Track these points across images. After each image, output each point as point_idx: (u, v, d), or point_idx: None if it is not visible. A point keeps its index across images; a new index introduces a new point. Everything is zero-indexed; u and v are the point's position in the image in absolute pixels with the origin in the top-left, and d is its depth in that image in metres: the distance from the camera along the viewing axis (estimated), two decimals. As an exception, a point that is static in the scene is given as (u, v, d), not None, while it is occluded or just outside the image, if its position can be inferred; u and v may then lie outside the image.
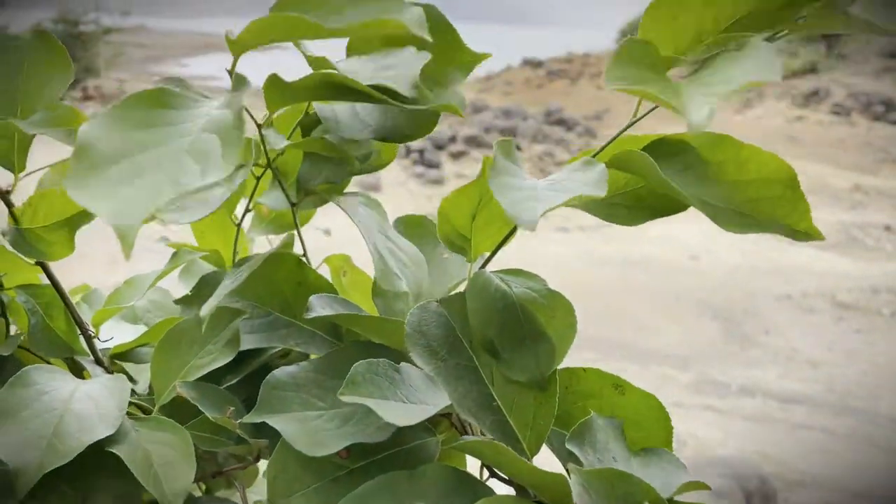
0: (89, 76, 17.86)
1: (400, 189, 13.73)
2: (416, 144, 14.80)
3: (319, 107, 0.48)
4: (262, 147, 0.46)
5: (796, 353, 6.05)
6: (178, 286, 0.63)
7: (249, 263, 0.45)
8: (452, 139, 15.50)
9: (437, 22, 0.42)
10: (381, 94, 0.38)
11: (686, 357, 6.70)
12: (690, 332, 7.74)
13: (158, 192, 0.26)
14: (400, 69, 0.39)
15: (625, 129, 0.44)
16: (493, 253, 0.49)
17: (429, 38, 0.31)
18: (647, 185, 0.44)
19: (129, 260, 0.27)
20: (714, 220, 0.40)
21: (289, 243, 0.51)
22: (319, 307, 0.45)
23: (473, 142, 15.72)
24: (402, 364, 0.41)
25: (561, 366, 0.43)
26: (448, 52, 0.43)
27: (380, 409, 0.37)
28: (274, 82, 0.42)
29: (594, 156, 0.43)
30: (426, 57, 0.39)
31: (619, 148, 0.43)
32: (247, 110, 0.35)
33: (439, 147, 15.25)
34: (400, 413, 0.38)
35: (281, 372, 0.42)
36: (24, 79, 0.48)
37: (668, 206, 0.44)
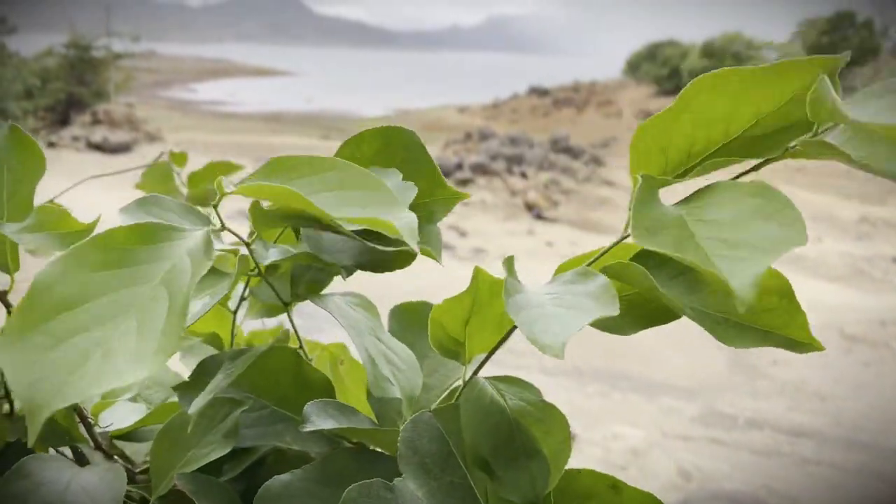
0: (99, 101, 18.16)
1: (405, 215, 13.85)
2: (422, 171, 14.93)
3: (304, 229, 0.49)
4: (251, 259, 0.47)
5: (804, 385, 5.98)
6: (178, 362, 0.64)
7: (245, 357, 0.45)
8: (459, 166, 15.59)
9: (415, 152, 0.44)
10: (357, 238, 0.39)
11: (692, 389, 6.62)
12: (696, 363, 7.67)
13: (76, 378, 0.25)
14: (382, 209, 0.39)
15: (617, 243, 0.44)
16: (488, 356, 0.48)
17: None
18: (640, 293, 0.44)
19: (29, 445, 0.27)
20: (712, 333, 0.40)
21: (285, 336, 0.51)
22: (316, 418, 0.45)
23: (480, 169, 15.81)
24: (396, 483, 0.40)
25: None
26: (428, 187, 0.44)
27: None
28: (257, 210, 0.43)
29: (589, 264, 0.43)
30: (411, 195, 0.41)
31: (611, 257, 0.44)
32: (232, 232, 0.35)
33: (445, 174, 15.29)
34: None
35: (276, 482, 0.42)
36: (4, 177, 0.49)
37: (661, 314, 0.44)
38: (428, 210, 0.46)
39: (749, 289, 0.30)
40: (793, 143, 0.38)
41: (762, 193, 0.35)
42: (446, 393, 0.52)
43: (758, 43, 39.60)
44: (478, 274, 0.43)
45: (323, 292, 0.53)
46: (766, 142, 0.39)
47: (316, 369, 0.50)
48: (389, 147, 0.46)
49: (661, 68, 42.55)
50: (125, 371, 0.26)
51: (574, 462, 0.43)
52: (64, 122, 16.51)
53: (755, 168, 0.39)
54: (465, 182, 15.16)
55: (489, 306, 0.46)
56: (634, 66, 48.98)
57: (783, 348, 0.40)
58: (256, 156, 19.17)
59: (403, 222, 0.33)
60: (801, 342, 0.40)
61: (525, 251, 12.57)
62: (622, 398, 5.89)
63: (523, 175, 16.34)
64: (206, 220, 0.42)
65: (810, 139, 0.37)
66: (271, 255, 0.47)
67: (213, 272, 0.44)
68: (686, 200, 0.37)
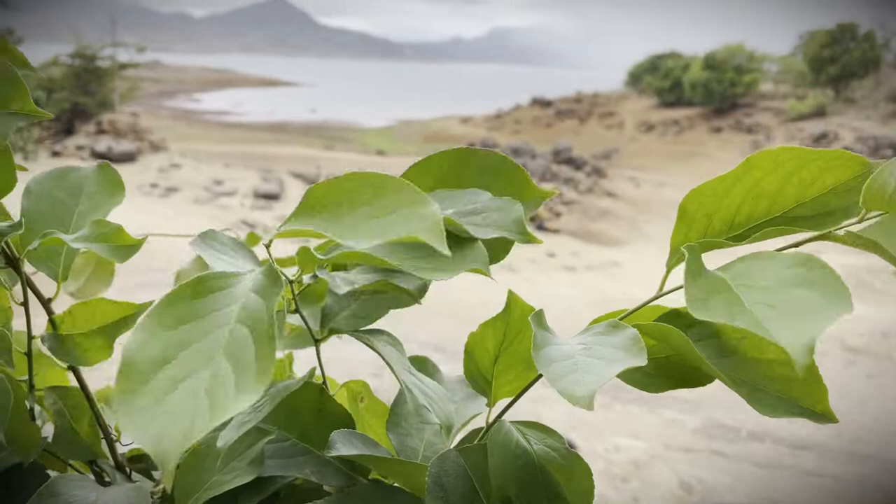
0: (104, 110, 18.26)
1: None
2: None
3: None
4: (290, 292, 0.49)
5: (806, 397, 5.96)
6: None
7: (272, 392, 0.46)
8: (461, 176, 15.66)
9: (506, 166, 0.46)
10: (405, 272, 0.41)
11: (694, 401, 6.59)
12: (698, 375, 7.62)
13: (192, 420, 0.28)
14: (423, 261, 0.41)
15: (653, 299, 0.45)
16: (514, 400, 0.50)
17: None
18: (672, 357, 0.44)
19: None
20: (750, 402, 0.40)
21: (312, 373, 0.52)
22: (341, 445, 0.46)
23: (481, 179, 15.92)
24: None
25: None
26: (518, 191, 0.46)
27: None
28: (305, 254, 0.45)
29: (621, 318, 0.44)
30: (517, 211, 0.42)
31: (641, 317, 0.44)
32: (281, 273, 0.37)
33: (447, 184, 15.44)
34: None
35: None
36: (83, 201, 0.54)
37: (690, 377, 0.45)
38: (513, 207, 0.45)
39: (805, 352, 0.31)
40: (839, 228, 0.40)
41: (805, 263, 0.36)
42: (466, 430, 0.53)
43: (759, 55, 39.69)
44: (511, 300, 0.44)
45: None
46: (804, 223, 0.41)
47: (338, 404, 0.50)
48: (463, 167, 0.47)
49: (663, 80, 42.65)
50: (234, 402, 0.28)
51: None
52: (69, 131, 16.59)
53: (797, 244, 0.40)
54: (467, 192, 15.16)
55: (521, 336, 0.47)
56: (636, 78, 49.14)
57: (802, 417, 0.41)
58: (260, 165, 19.22)
59: (427, 224, 0.32)
60: (819, 413, 0.41)
61: (527, 261, 12.57)
62: (623, 410, 5.87)
63: (525, 186, 16.27)
64: (253, 257, 0.45)
65: (856, 229, 0.39)
66: (345, 284, 0.47)
67: None
68: (727, 266, 0.38)
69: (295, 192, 13.30)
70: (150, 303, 0.51)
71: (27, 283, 0.50)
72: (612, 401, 5.99)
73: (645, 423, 5.46)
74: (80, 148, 14.08)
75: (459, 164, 0.46)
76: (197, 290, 0.33)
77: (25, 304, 0.50)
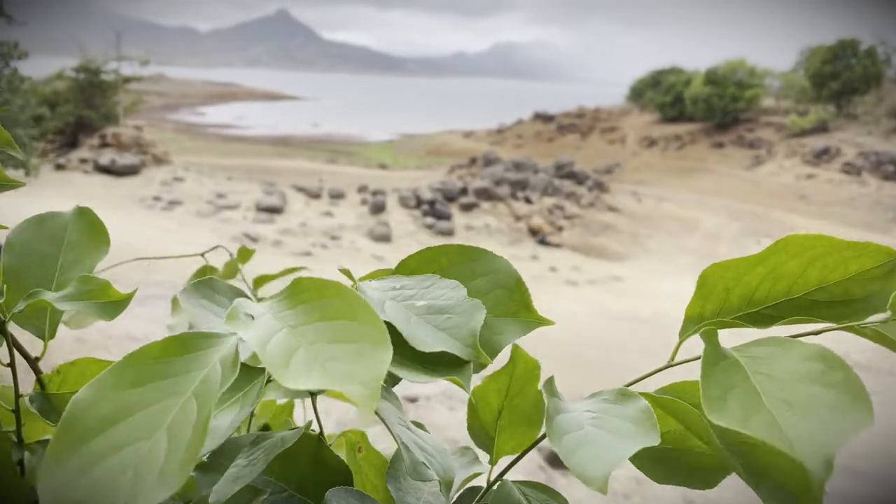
0: (108, 123, 18.33)
1: (410, 240, 13.82)
2: (427, 195, 14.95)
3: None
4: None
5: (810, 414, 5.93)
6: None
7: (269, 444, 0.44)
8: (463, 191, 15.64)
9: (510, 280, 0.44)
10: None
11: (697, 415, 6.54)
12: (701, 390, 7.58)
13: (118, 497, 0.26)
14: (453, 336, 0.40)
15: (663, 368, 0.45)
16: (517, 460, 0.49)
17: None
18: (678, 448, 0.43)
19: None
20: (760, 494, 0.39)
21: (308, 425, 0.52)
22: (336, 503, 0.45)
23: (484, 194, 15.86)
24: None
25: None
26: (514, 310, 0.44)
27: None
28: None
29: (629, 385, 0.43)
30: (480, 318, 0.41)
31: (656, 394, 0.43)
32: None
33: (450, 199, 15.38)
34: None
35: None
36: (64, 251, 0.52)
37: (699, 476, 0.43)
38: (500, 328, 0.44)
39: (824, 467, 0.30)
40: (865, 325, 0.39)
41: (822, 358, 0.35)
42: (464, 487, 0.52)
43: (761, 71, 39.86)
44: (516, 354, 0.43)
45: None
46: (823, 308, 0.40)
47: (336, 455, 0.49)
48: (471, 263, 0.45)
49: (665, 95, 42.82)
50: (153, 491, 0.26)
51: (575, 492, 0.44)
52: (73, 144, 16.66)
53: (814, 333, 0.40)
54: (469, 206, 15.19)
55: (524, 392, 0.47)
56: (638, 93, 49.36)
57: None
58: (263, 179, 19.27)
59: (361, 392, 0.28)
60: None
61: (529, 276, 12.52)
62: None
63: (527, 200, 16.37)
64: (249, 310, 0.44)
65: (882, 326, 0.39)
66: None
67: (246, 369, 0.42)
68: (745, 348, 0.38)
69: (297, 206, 13.32)
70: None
71: (13, 345, 0.49)
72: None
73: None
74: (83, 161, 14.13)
75: (464, 262, 0.45)
76: (167, 349, 0.32)
77: (12, 364, 0.49)
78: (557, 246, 13.78)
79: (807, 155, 32.82)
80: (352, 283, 0.43)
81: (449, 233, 13.40)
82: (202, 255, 0.75)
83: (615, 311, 10.20)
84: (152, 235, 10.80)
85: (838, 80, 34.67)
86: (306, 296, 0.33)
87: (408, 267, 0.45)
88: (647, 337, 8.84)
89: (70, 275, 0.51)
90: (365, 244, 11.82)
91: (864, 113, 36.78)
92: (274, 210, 12.61)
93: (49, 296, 0.46)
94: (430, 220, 13.70)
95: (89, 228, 0.54)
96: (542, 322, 0.44)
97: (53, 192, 12.93)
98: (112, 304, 0.47)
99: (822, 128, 34.44)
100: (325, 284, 0.32)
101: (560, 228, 14.75)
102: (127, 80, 18.85)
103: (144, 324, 6.60)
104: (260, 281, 0.76)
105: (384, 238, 12.24)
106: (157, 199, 12.75)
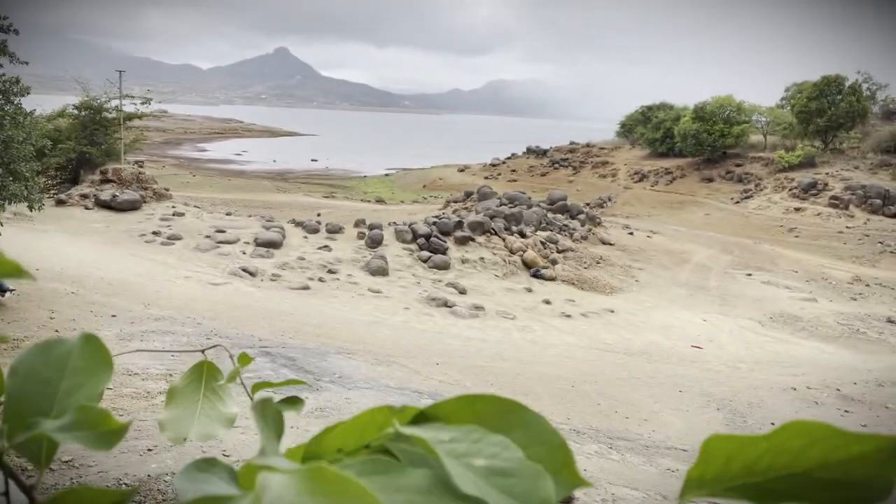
0: (109, 160, 18.53)
1: (406, 273, 13.94)
2: (422, 229, 15.12)
3: None
4: None
5: (799, 445, 5.97)
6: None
7: None
8: (459, 225, 15.82)
9: (553, 439, 0.44)
10: None
11: (691, 450, 6.58)
12: (695, 425, 7.65)
13: None
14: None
15: None
16: None
17: None
18: None
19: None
20: None
21: None
22: None
23: (479, 228, 16.06)
24: None
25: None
26: (555, 468, 0.43)
27: None
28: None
29: None
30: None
31: None
32: None
33: (445, 233, 15.56)
34: None
35: None
36: (67, 376, 0.52)
37: None
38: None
39: None
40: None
41: None
42: None
43: (748, 107, 40.52)
44: None
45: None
46: (822, 487, 0.41)
47: None
48: (507, 415, 0.45)
49: (655, 131, 43.43)
50: None
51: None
52: (74, 180, 16.83)
53: None
54: (464, 240, 15.35)
55: None
56: (628, 129, 50.03)
57: None
58: (262, 213, 19.42)
59: None
60: None
61: (524, 309, 12.64)
62: (621, 459, 5.88)
63: (522, 234, 16.56)
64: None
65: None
66: None
67: None
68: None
69: (295, 240, 13.48)
70: (137, 488, 0.53)
71: (10, 475, 0.48)
72: (608, 450, 6.02)
73: (642, 472, 5.48)
74: (84, 196, 14.29)
75: (499, 412, 0.44)
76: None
77: (6, 493, 0.49)
78: (551, 279, 13.92)
79: (795, 189, 33.19)
80: (392, 428, 0.43)
81: (444, 266, 13.54)
82: (202, 350, 0.76)
83: (609, 343, 10.29)
84: (150, 270, 10.90)
85: (824, 116, 35.25)
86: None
87: (443, 411, 0.45)
88: (639, 370, 8.91)
89: (71, 400, 0.51)
90: (362, 277, 11.93)
91: (851, 148, 37.32)
92: (272, 245, 12.75)
93: (47, 426, 0.46)
94: (425, 253, 13.85)
95: (94, 355, 0.53)
96: (583, 484, 0.43)
97: (54, 227, 13.06)
98: (109, 434, 0.46)
99: (809, 163, 34.88)
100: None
101: (554, 262, 14.91)
102: (129, 117, 19.13)
103: (142, 359, 6.68)
104: (258, 387, 0.71)
105: (381, 271, 12.37)
106: (156, 233, 12.88)
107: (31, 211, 8.83)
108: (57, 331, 7.05)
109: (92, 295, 8.34)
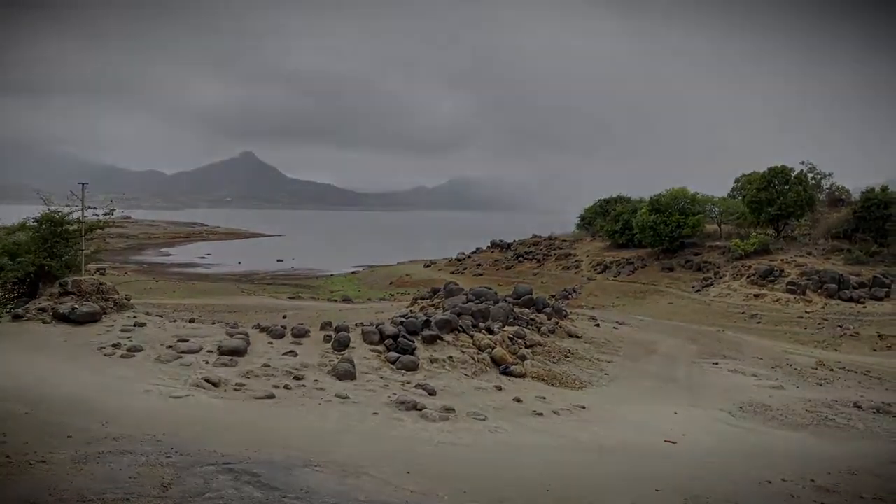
0: (70, 272, 18.18)
1: (374, 376, 13.68)
2: (390, 330, 15.00)
3: None
4: None
5: (780, 543, 5.87)
6: None
7: None
8: (426, 324, 15.75)
9: None
10: None
11: None
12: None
13: None
14: None
15: None
16: None
17: None
18: None
19: None
20: None
21: None
22: None
23: (447, 326, 16.01)
24: None
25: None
26: None
27: None
28: None
29: None
30: None
31: None
32: None
33: (413, 332, 15.43)
34: None
35: None
36: None
37: None
38: None
39: None
40: None
41: None
42: None
43: (701, 198, 42.36)
44: None
45: None
46: None
47: None
48: None
49: (614, 223, 44.89)
50: None
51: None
52: (32, 293, 16.41)
53: None
54: (432, 339, 15.23)
55: None
56: (588, 221, 51.65)
57: None
58: (226, 318, 19.12)
59: None
60: None
61: (495, 409, 12.41)
62: None
63: (489, 330, 16.55)
64: None
65: None
66: None
67: None
68: None
69: (260, 346, 13.23)
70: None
71: None
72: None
73: None
74: (42, 310, 13.93)
75: None
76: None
77: None
78: (521, 376, 13.83)
79: (753, 276, 34.24)
80: None
81: (413, 367, 13.38)
82: None
83: (582, 441, 10.13)
84: (109, 385, 10.51)
85: (774, 205, 37.00)
86: None
87: None
88: (615, 468, 8.74)
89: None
90: (329, 383, 11.68)
91: (802, 234, 39.02)
92: (236, 352, 12.47)
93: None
94: (393, 354, 13.70)
95: None
96: None
97: (10, 344, 12.61)
98: None
99: (764, 250, 36.26)
100: None
101: (523, 357, 14.87)
102: (91, 227, 18.98)
103: (97, 483, 6.33)
104: None
105: (348, 375, 12.14)
106: (116, 346, 12.52)
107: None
108: (8, 456, 6.67)
109: (47, 415, 7.98)
